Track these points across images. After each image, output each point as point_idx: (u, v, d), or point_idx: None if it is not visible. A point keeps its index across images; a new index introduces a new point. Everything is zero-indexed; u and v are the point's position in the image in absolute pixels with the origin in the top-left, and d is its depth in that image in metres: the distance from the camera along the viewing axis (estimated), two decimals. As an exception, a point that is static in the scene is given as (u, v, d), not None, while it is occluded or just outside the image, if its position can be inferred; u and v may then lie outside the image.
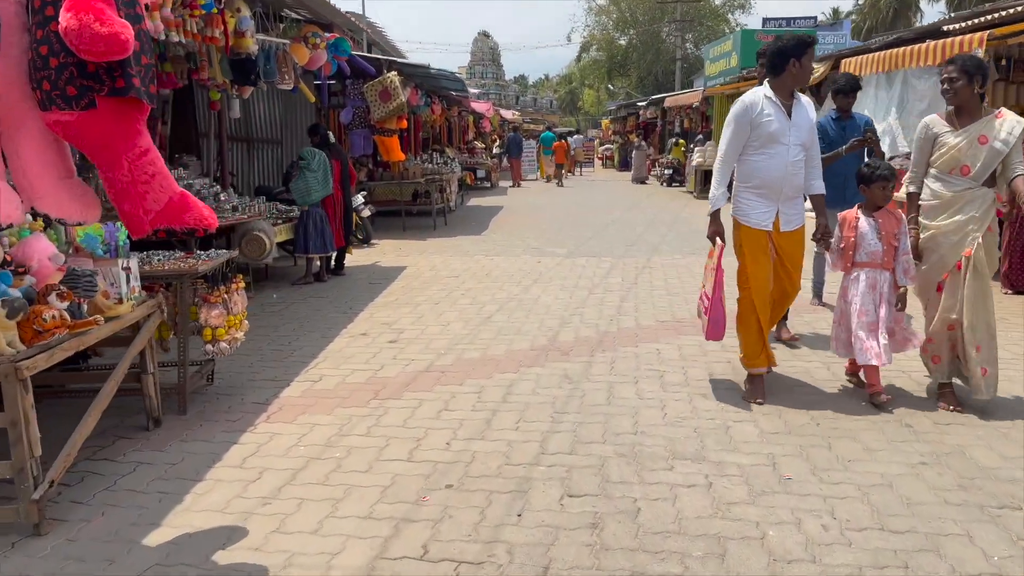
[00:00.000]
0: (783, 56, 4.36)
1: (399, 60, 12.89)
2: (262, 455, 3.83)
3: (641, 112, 33.35)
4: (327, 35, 9.23)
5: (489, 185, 24.43)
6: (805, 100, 4.55)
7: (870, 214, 4.47)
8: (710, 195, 4.56)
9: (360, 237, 11.97)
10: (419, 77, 14.71)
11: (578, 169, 32.54)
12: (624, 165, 35.13)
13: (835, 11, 54.88)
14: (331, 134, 9.13)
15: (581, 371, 5.13)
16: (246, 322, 4.74)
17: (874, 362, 4.29)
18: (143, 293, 4.13)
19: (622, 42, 51.42)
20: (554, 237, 12.47)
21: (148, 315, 4.07)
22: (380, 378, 5.05)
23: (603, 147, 43.31)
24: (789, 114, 4.42)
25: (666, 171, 24.85)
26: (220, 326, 4.38)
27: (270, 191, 10.77)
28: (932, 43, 9.01)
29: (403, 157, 13.39)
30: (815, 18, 31.63)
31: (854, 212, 4.54)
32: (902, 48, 9.75)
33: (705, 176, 19.95)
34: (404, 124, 13.26)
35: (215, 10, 5.84)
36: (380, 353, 5.67)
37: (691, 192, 20.76)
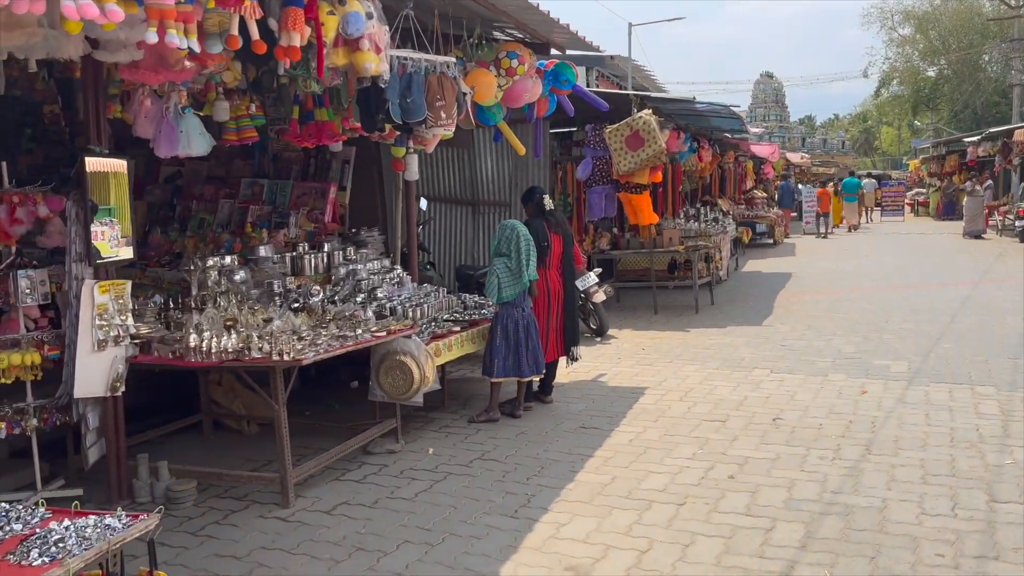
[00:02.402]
0: None
1: (653, 95, 9.88)
2: None
3: (970, 150, 26.80)
4: (538, 61, 6.48)
5: (771, 242, 20.27)
6: None
7: None
8: None
9: (593, 327, 8.98)
10: (682, 116, 11.52)
11: (867, 217, 28.68)
12: (946, 212, 28.76)
13: None
14: (547, 199, 6.26)
15: None
16: None
17: None
18: None
19: (930, 73, 46.59)
20: (877, 333, 8.42)
21: None
22: None
23: (912, 192, 36.53)
24: None
25: (1019, 223, 18.83)
26: None
27: (471, 276, 8.21)
28: None
29: (656, 219, 10.24)
30: None
31: None
32: None
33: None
34: (659, 177, 10.13)
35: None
36: None
37: (1068, 254, 14.96)
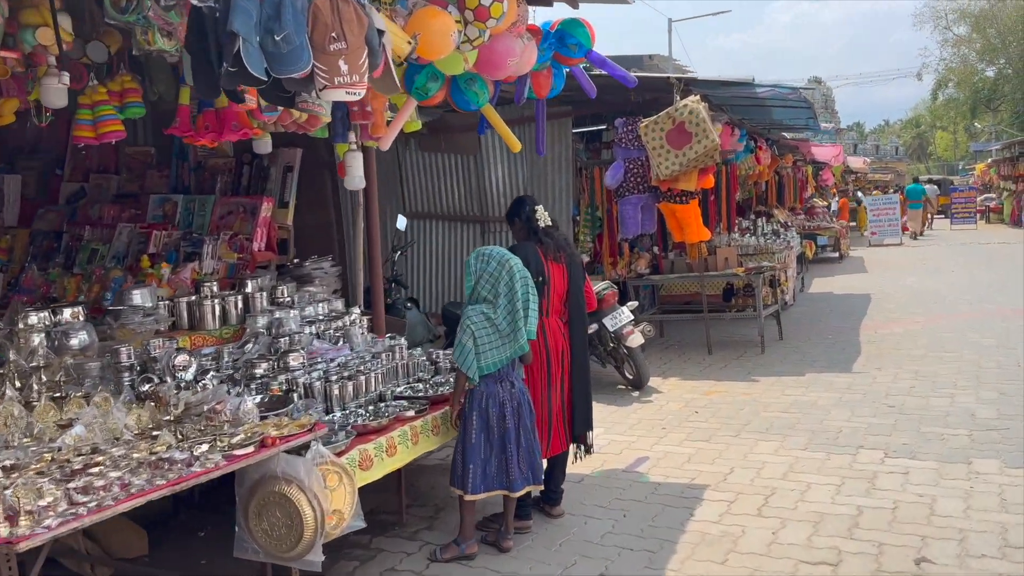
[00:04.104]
0: None
1: (701, 78, 7.83)
2: None
3: (1054, 147, 24.02)
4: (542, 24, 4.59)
5: (837, 256, 17.91)
6: None
7: None
8: None
9: (629, 376, 6.92)
10: (736, 108, 9.42)
11: (929, 225, 26.78)
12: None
13: None
14: (541, 211, 4.23)
15: None
16: None
17: None
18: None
19: (989, 73, 43.90)
20: (1014, 384, 6.16)
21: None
22: None
23: (982, 197, 33.77)
24: None
25: None
26: None
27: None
28: None
29: (707, 235, 8.13)
30: None
31: None
32: None
33: None
34: (710, 182, 8.03)
35: None
36: None
37: None
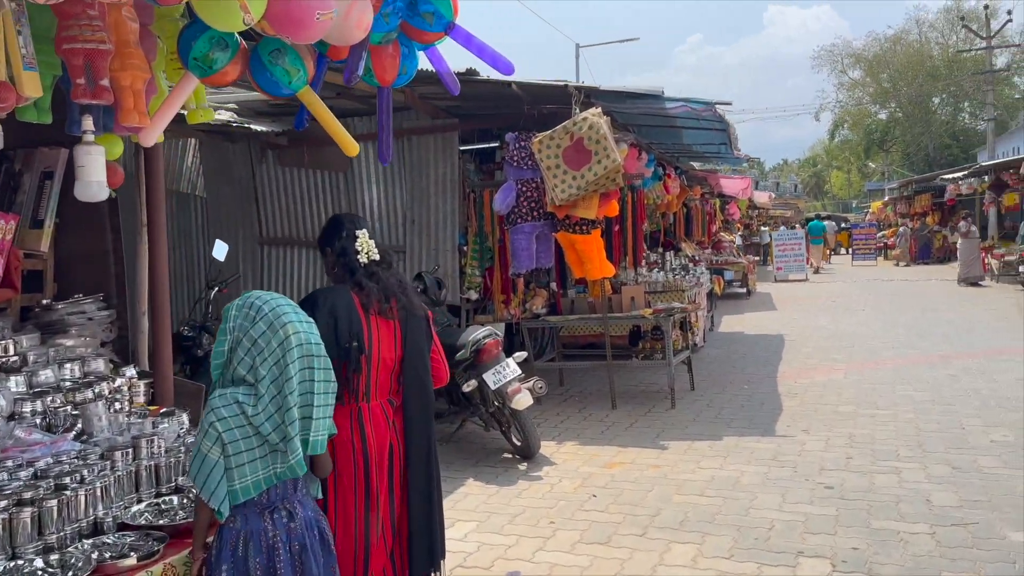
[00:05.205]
0: None
1: (604, 88, 6.74)
2: None
3: (951, 188, 24.49)
4: None
5: (745, 291, 17.34)
6: None
7: None
8: None
9: (517, 443, 5.64)
10: (644, 127, 8.41)
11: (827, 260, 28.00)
12: (922, 256, 27.14)
13: None
14: (364, 239, 2.88)
15: None
16: None
17: None
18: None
19: (882, 116, 46.48)
20: (965, 454, 5.19)
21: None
22: None
23: (879, 234, 34.69)
24: None
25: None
26: None
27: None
28: None
29: (611, 270, 7.00)
30: None
31: None
32: None
33: None
34: (614, 210, 6.92)
35: None
36: None
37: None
